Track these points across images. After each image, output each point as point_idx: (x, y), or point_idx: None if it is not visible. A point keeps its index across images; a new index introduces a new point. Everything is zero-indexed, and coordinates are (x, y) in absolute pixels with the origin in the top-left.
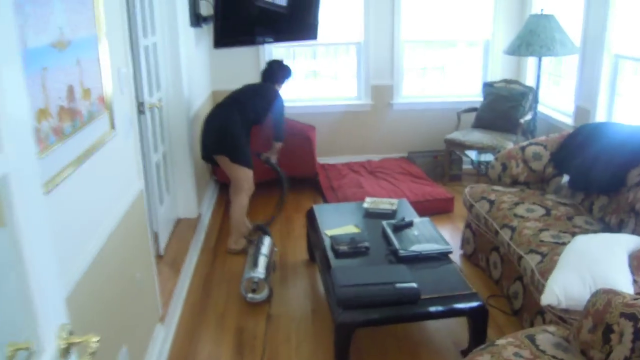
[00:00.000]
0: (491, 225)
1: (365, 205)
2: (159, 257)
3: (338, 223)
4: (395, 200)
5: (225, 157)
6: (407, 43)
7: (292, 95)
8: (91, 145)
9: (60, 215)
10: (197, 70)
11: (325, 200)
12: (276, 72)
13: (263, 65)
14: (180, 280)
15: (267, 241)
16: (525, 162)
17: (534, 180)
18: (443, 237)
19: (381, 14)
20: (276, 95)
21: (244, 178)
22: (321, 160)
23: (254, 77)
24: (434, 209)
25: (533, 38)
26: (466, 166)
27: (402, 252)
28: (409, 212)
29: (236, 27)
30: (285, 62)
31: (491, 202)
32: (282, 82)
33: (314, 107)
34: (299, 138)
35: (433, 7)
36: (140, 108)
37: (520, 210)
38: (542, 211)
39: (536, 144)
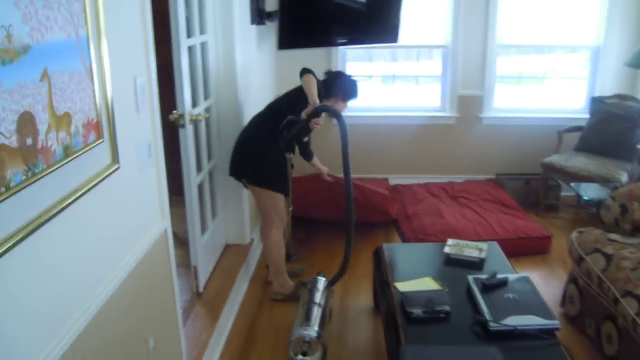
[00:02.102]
0: (608, 289)
1: (447, 249)
2: (197, 295)
3: (412, 272)
4: (484, 245)
5: (248, 181)
6: (501, 48)
7: (366, 102)
8: (73, 190)
9: (20, 286)
10: (258, 74)
11: (400, 232)
12: (334, 84)
13: (335, 63)
14: (218, 328)
15: (322, 285)
16: None
17: None
18: (546, 304)
19: (473, 14)
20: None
21: (271, 206)
22: (395, 179)
23: None
24: (527, 249)
25: None
26: (565, 194)
27: (493, 326)
28: (501, 262)
29: (305, 25)
30: (353, 78)
31: (608, 258)
32: (341, 98)
33: (391, 118)
34: (377, 213)
35: (534, 7)
36: (180, 121)
37: None
38: None
39: None
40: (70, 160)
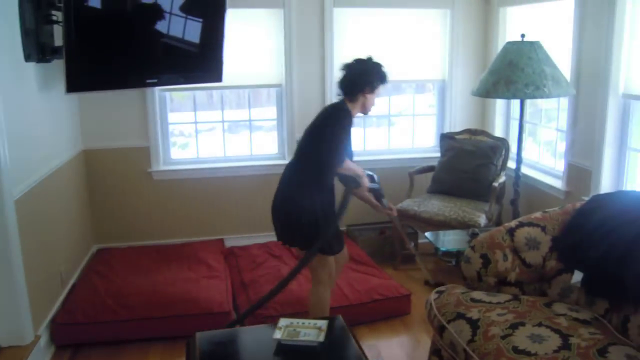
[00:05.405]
0: None
1: (278, 334)
2: None
3: None
4: (323, 323)
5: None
6: None
7: (194, 154)
8: None
9: None
10: (46, 122)
11: (234, 305)
12: (356, 75)
13: (152, 112)
14: None
15: None
16: (516, 253)
17: (530, 279)
18: None
19: (307, 49)
20: (342, 114)
21: (319, 265)
22: (231, 240)
23: (142, 128)
24: (385, 312)
25: (515, 73)
26: (423, 241)
27: None
28: (347, 345)
29: (100, 62)
30: (373, 60)
31: (474, 325)
32: (370, 87)
33: (223, 170)
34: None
35: (373, 42)
36: None
37: (522, 339)
38: (557, 340)
39: (530, 224)
40: None
